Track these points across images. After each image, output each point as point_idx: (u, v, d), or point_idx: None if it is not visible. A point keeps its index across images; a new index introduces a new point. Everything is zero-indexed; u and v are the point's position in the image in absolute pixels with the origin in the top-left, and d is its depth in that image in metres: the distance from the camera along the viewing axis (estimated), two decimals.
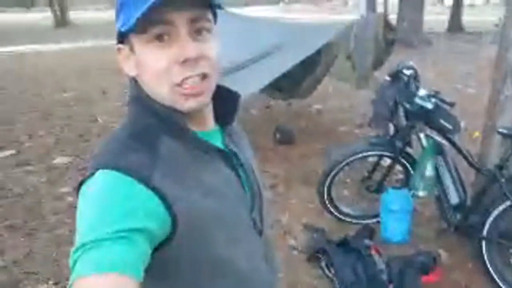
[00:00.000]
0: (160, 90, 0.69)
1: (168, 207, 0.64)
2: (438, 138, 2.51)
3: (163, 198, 0.64)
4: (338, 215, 2.91)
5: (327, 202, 2.86)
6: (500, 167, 2.33)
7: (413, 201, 2.72)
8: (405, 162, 2.74)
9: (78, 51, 12.59)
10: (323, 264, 2.45)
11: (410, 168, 2.73)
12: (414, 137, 2.64)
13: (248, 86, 3.36)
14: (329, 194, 2.85)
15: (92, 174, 0.65)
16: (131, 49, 0.70)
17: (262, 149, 4.15)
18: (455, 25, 15.73)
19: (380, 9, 16.05)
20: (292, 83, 4.66)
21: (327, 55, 4.41)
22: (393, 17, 9.97)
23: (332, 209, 2.89)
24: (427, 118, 2.47)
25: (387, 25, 4.05)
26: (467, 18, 17.02)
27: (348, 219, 2.92)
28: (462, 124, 2.46)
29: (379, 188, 2.85)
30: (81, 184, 0.67)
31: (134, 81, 0.74)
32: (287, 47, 3.93)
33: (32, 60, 10.67)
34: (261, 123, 5.10)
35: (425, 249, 2.57)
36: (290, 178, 3.67)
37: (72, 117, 5.56)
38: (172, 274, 0.70)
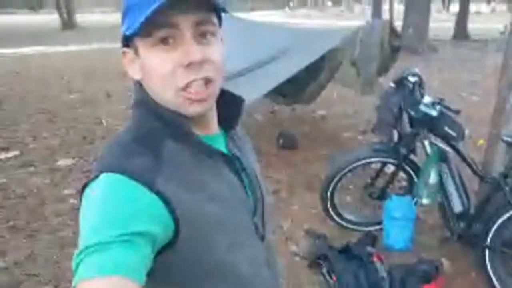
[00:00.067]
0: (165, 94, 0.70)
1: (172, 211, 0.64)
2: (443, 146, 2.50)
3: (166, 202, 0.64)
4: (341, 221, 2.89)
5: (329, 208, 2.85)
6: (505, 176, 2.31)
7: (416, 209, 2.71)
8: (409, 169, 2.72)
9: (84, 53, 12.68)
10: (324, 270, 2.44)
11: (413, 176, 2.72)
12: (418, 144, 2.63)
13: (252, 91, 3.36)
14: (332, 200, 2.84)
15: (96, 177, 0.65)
16: (136, 53, 0.71)
17: (265, 154, 4.15)
18: (460, 32, 15.72)
19: (385, 15, 16.07)
20: (296, 88, 4.66)
21: (332, 61, 4.41)
22: (398, 24, 9.98)
23: (334, 216, 2.88)
24: (432, 125, 2.46)
25: (392, 31, 4.05)
26: (473, 25, 17.00)
27: (351, 226, 2.90)
28: (467, 132, 2.44)
29: (382, 195, 2.84)
30: (84, 186, 0.67)
31: (139, 84, 0.75)
32: (292, 52, 3.94)
33: (39, 62, 10.76)
34: (264, 128, 5.10)
35: (427, 258, 2.54)
36: (293, 184, 3.66)
37: (77, 119, 5.59)
38: (174, 278, 0.70)
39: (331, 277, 2.38)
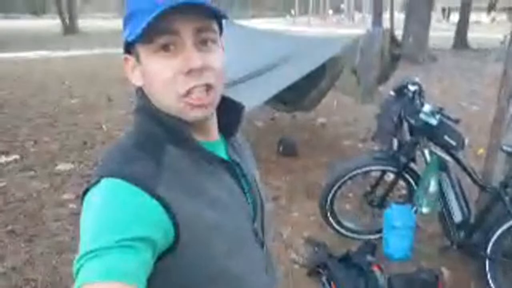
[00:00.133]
0: (166, 100, 0.70)
1: (172, 216, 0.65)
2: (442, 154, 2.50)
3: (167, 207, 0.64)
4: (340, 229, 2.88)
5: (329, 216, 2.85)
6: (505, 185, 2.31)
7: (416, 218, 2.70)
8: (409, 177, 2.72)
9: (86, 58, 12.74)
10: (324, 279, 2.43)
11: (413, 184, 2.71)
12: (418, 153, 2.63)
13: (253, 98, 3.37)
14: (331, 208, 2.83)
15: (97, 182, 0.65)
16: (138, 59, 0.71)
17: (265, 160, 4.15)
18: (460, 42, 15.81)
19: (386, 24, 16.15)
20: (297, 96, 4.68)
21: (332, 69, 4.43)
22: (399, 33, 10.03)
23: (334, 223, 2.87)
24: (432, 134, 2.46)
25: (393, 40, 4.07)
26: (473, 35, 17.10)
27: (350, 234, 2.89)
28: (467, 141, 2.45)
29: (382, 203, 2.84)
30: (85, 192, 0.67)
31: (141, 90, 0.75)
32: (293, 60, 3.96)
33: (41, 66, 10.80)
34: (265, 135, 5.11)
35: (427, 267, 2.54)
36: (292, 191, 3.66)
37: (78, 124, 5.60)
38: (175, 283, 0.70)
39: (330, 286, 2.37)
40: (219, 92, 0.74)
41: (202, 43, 0.69)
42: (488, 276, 2.27)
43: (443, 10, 45.47)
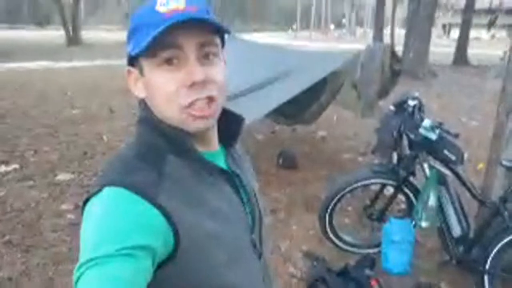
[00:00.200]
0: (169, 112, 0.71)
1: (172, 225, 0.65)
2: (442, 169, 2.51)
3: (168, 216, 0.65)
4: (339, 243, 2.87)
5: (328, 229, 2.84)
6: (504, 200, 2.31)
7: (415, 232, 2.69)
8: (408, 191, 2.72)
9: (88, 69, 12.84)
10: None
11: (412, 198, 2.71)
12: (417, 167, 2.63)
13: (253, 111, 3.38)
14: (330, 221, 2.82)
15: (98, 191, 0.66)
16: (141, 72, 0.73)
17: (265, 173, 4.15)
18: (460, 58, 15.94)
19: (387, 39, 16.32)
20: (298, 109, 4.70)
21: (333, 83, 4.46)
22: (399, 48, 10.13)
23: (333, 237, 2.86)
24: (431, 148, 2.47)
25: (393, 55, 4.11)
26: (473, 51, 17.24)
27: (349, 248, 2.88)
28: (466, 156, 2.45)
29: (381, 217, 2.83)
30: (86, 201, 0.68)
31: (143, 102, 0.77)
32: (294, 74, 3.98)
33: (43, 77, 10.87)
34: (265, 147, 5.12)
35: (426, 282, 2.52)
36: (291, 204, 3.65)
37: (78, 134, 5.61)
38: None
39: None
40: (220, 104, 0.75)
41: (204, 57, 0.70)
42: None
43: (444, 26, 45.93)
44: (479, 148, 4.51)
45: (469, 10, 15.52)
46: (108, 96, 8.18)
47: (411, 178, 2.67)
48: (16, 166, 4.39)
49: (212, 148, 0.79)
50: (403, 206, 3.23)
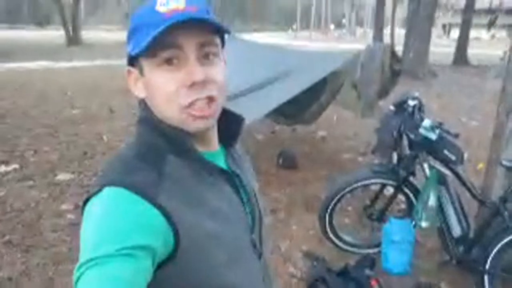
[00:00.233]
0: (169, 112, 0.72)
1: (172, 225, 0.65)
2: (442, 169, 2.51)
3: (167, 216, 0.65)
4: (339, 243, 2.87)
5: (328, 229, 2.84)
6: (504, 200, 2.31)
7: (415, 232, 2.69)
8: (408, 191, 2.72)
9: (88, 69, 12.84)
10: None
11: (412, 198, 2.71)
12: (417, 167, 2.63)
13: (253, 111, 3.38)
14: (330, 221, 2.82)
15: (98, 191, 0.66)
16: (141, 72, 0.73)
17: (265, 173, 4.15)
18: (460, 58, 15.94)
19: (387, 39, 16.32)
20: (298, 109, 4.70)
21: (333, 83, 4.46)
22: (399, 48, 10.13)
23: (333, 237, 2.86)
24: (431, 148, 2.47)
25: (393, 55, 4.11)
26: (473, 51, 17.24)
27: (349, 248, 2.88)
28: (466, 156, 2.45)
29: (381, 217, 2.83)
30: (86, 201, 0.68)
31: (143, 102, 0.77)
32: (294, 74, 3.99)
33: (43, 77, 10.88)
34: (265, 147, 5.12)
35: (426, 282, 2.52)
36: (291, 204, 3.65)
37: (78, 134, 5.61)
38: None
39: None
40: (220, 104, 0.75)
41: (204, 57, 0.70)
42: None
43: (444, 26, 45.94)
44: (479, 148, 4.51)
45: (469, 10, 15.53)
46: (108, 96, 8.18)
47: (411, 178, 2.67)
48: (16, 166, 4.39)
49: (212, 148, 0.79)
50: (403, 206, 3.23)
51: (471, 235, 2.50)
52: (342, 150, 5.11)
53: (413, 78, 10.54)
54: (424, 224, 2.47)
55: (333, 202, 2.75)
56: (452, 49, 16.90)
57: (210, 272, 0.71)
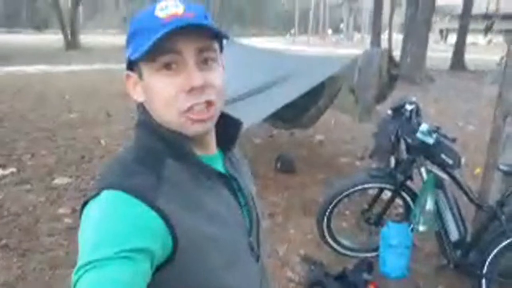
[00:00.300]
0: (168, 116, 0.72)
1: (171, 228, 0.65)
2: (439, 173, 2.51)
3: (166, 219, 0.65)
4: (337, 247, 2.87)
5: (326, 233, 2.83)
6: (501, 204, 2.32)
7: (413, 236, 2.69)
8: (406, 195, 2.73)
9: (87, 73, 12.85)
10: None
11: (410, 202, 2.72)
12: (415, 171, 2.64)
13: (251, 115, 3.39)
14: (328, 225, 2.82)
15: (97, 194, 0.66)
16: (140, 76, 0.73)
17: (262, 177, 4.15)
18: (457, 63, 16.02)
19: (384, 44, 16.38)
20: (296, 113, 4.72)
21: (331, 88, 4.48)
22: (397, 53, 10.17)
23: (330, 241, 2.86)
24: (428, 152, 2.48)
25: (390, 60, 4.13)
26: (470, 56, 17.32)
27: (347, 252, 2.88)
28: (463, 160, 2.46)
29: (379, 221, 2.83)
30: (85, 204, 0.68)
31: (142, 106, 0.77)
32: (292, 78, 4.00)
33: (41, 80, 10.87)
34: (263, 151, 5.12)
35: (424, 286, 2.52)
36: (289, 208, 3.65)
37: (76, 138, 5.61)
38: None
39: None
40: (219, 108, 0.75)
41: (203, 62, 0.71)
42: None
43: (441, 31, 46.19)
44: (476, 152, 4.53)
45: (466, 15, 15.62)
46: (106, 100, 8.18)
47: (408, 182, 2.68)
48: (13, 169, 4.38)
49: (210, 152, 0.80)
50: (400, 210, 3.23)
51: (469, 239, 2.50)
52: (340, 154, 5.12)
53: (411, 83, 10.58)
54: (421, 228, 2.48)
55: (331, 206, 2.76)
56: (449, 54, 16.98)
57: (208, 274, 0.71)
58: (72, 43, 23.09)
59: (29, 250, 2.90)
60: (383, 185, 2.73)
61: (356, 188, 2.73)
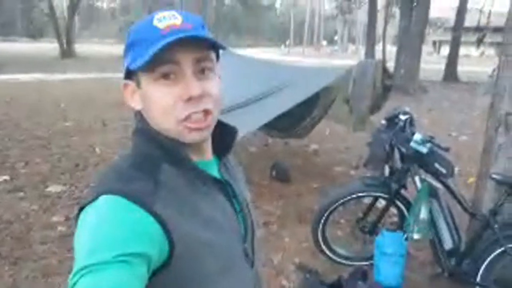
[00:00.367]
0: (166, 124, 0.73)
1: (168, 233, 0.66)
2: (433, 181, 2.54)
3: (163, 224, 0.66)
4: (332, 255, 2.87)
5: (321, 241, 2.84)
6: (494, 213, 2.34)
7: (407, 245, 2.70)
8: (400, 204, 2.74)
9: (82, 82, 12.83)
10: None
11: (404, 211, 2.73)
12: (409, 180, 2.66)
13: (247, 124, 3.40)
14: (323, 234, 2.82)
15: (94, 199, 0.66)
16: (138, 85, 0.75)
17: (257, 185, 4.16)
18: (450, 74, 16.22)
19: (378, 56, 16.55)
20: (290, 123, 4.74)
21: (325, 98, 4.51)
22: (391, 65, 10.29)
23: (325, 249, 2.86)
24: (422, 161, 2.50)
25: (384, 71, 4.18)
26: (463, 68, 17.54)
27: (342, 260, 2.88)
28: (456, 169, 2.49)
29: (373, 230, 2.84)
30: (81, 209, 0.68)
31: (140, 114, 0.78)
32: (287, 89, 4.03)
33: (37, 89, 10.85)
34: (258, 160, 5.13)
35: None
36: (284, 216, 3.65)
37: (71, 146, 5.58)
38: None
39: None
40: (215, 117, 0.77)
41: (200, 72, 0.73)
42: None
43: (434, 43, 46.77)
44: (469, 162, 4.57)
45: (458, 27, 15.87)
46: (102, 108, 8.17)
47: (402, 191, 2.70)
48: (7, 177, 4.34)
49: (206, 158, 0.81)
50: (395, 218, 3.25)
51: (463, 247, 2.51)
52: (335, 164, 5.14)
53: (404, 94, 10.69)
54: (416, 236, 2.49)
55: (326, 215, 2.76)
56: (442, 66, 17.20)
57: (203, 280, 0.72)
58: (67, 52, 23.11)
59: (21, 258, 2.87)
60: (377, 194, 2.74)
61: (351, 196, 2.74)
